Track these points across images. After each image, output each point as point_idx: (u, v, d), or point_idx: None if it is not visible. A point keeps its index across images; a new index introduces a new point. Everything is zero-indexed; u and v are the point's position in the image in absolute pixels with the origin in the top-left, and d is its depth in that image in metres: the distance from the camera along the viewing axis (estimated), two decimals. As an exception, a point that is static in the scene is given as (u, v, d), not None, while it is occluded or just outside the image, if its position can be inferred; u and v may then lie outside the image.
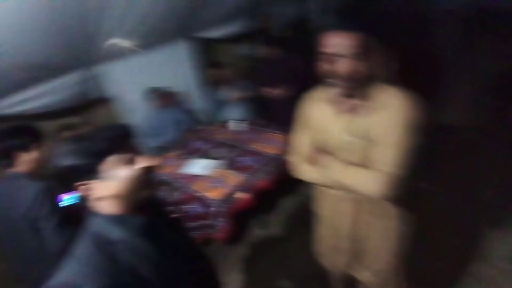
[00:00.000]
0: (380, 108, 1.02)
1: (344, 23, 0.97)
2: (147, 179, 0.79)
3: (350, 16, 0.97)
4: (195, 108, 3.80)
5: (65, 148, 0.75)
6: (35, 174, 1.40)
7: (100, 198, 0.75)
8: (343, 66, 0.97)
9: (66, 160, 0.73)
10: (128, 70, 3.17)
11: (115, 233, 0.74)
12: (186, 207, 2.11)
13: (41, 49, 2.28)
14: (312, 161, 1.20)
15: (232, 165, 2.29)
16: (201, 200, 2.05)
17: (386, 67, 1.02)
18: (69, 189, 0.76)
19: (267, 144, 2.47)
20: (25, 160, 1.37)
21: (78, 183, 0.74)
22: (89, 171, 0.73)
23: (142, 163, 0.78)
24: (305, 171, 1.23)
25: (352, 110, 1.08)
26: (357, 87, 1.03)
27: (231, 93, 3.08)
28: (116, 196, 0.75)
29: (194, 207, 2.10)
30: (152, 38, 3.09)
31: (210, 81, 3.02)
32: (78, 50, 2.56)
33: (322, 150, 1.18)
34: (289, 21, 4.63)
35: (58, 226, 1.31)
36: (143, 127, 3.07)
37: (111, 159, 0.74)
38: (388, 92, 1.04)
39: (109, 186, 0.74)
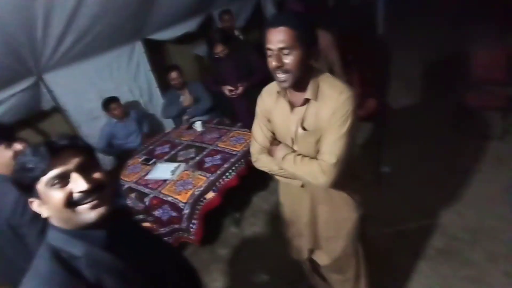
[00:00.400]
0: (322, 100, 1.09)
1: (279, 19, 1.03)
2: (84, 205, 0.69)
3: (283, 12, 1.05)
4: (155, 111, 3.74)
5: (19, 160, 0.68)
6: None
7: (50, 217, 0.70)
8: (284, 60, 1.02)
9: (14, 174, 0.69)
10: (79, 76, 3.03)
11: (77, 248, 0.69)
12: (157, 212, 2.09)
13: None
14: (270, 152, 1.25)
15: (200, 166, 2.29)
16: (172, 204, 2.04)
17: (327, 59, 1.10)
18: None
19: (234, 143, 2.50)
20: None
21: (30, 200, 0.70)
22: (26, 189, 0.68)
23: (77, 186, 0.68)
24: (263, 162, 1.28)
25: (303, 103, 1.13)
26: (302, 80, 1.08)
27: (187, 96, 3.06)
28: (57, 220, 0.70)
29: (166, 212, 2.08)
30: (104, 42, 2.97)
31: (170, 84, 2.97)
32: (26, 59, 2.39)
33: (279, 141, 1.24)
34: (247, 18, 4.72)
35: (42, 232, 1.24)
36: (104, 137, 2.95)
37: (43, 179, 0.66)
38: (329, 84, 1.10)
39: (47, 208, 0.69)
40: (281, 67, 1.02)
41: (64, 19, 2.27)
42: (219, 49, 2.56)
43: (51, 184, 0.66)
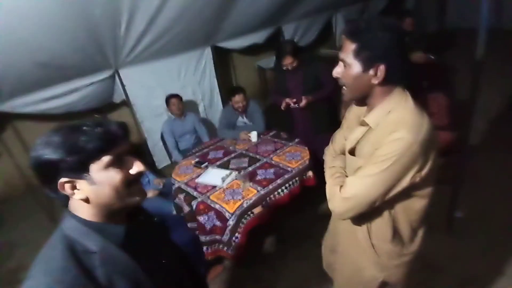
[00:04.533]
0: (380, 130, 0.92)
1: (347, 26, 0.92)
2: (137, 185, 0.73)
3: (360, 20, 0.91)
4: (213, 116, 3.79)
5: (49, 139, 0.65)
6: None
7: (82, 201, 0.68)
8: (343, 72, 0.94)
9: (48, 152, 0.64)
10: (151, 74, 3.18)
11: (93, 242, 0.67)
12: (202, 218, 2.02)
13: (67, 49, 2.28)
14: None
15: (252, 178, 2.19)
16: (218, 212, 1.95)
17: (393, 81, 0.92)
18: (46, 184, 0.67)
19: (290, 158, 2.36)
20: None
21: (63, 180, 0.65)
22: (75, 169, 0.65)
23: (136, 167, 0.72)
24: (325, 162, 1.23)
25: (362, 121, 1.00)
26: (369, 101, 0.96)
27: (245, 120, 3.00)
28: (101, 202, 0.69)
29: (210, 219, 2.00)
30: (178, 44, 3.10)
31: (232, 107, 2.91)
32: (107, 52, 2.57)
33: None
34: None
35: None
36: (165, 133, 3.04)
37: (104, 159, 0.66)
38: (397, 116, 0.91)
39: (96, 189, 0.67)
40: (338, 78, 0.96)
41: (147, 19, 2.40)
42: (288, 61, 2.45)
43: (110, 164, 0.67)
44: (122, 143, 0.70)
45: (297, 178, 2.17)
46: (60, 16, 1.96)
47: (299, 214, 2.60)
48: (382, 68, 0.87)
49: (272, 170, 2.24)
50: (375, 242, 1.07)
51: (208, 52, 3.56)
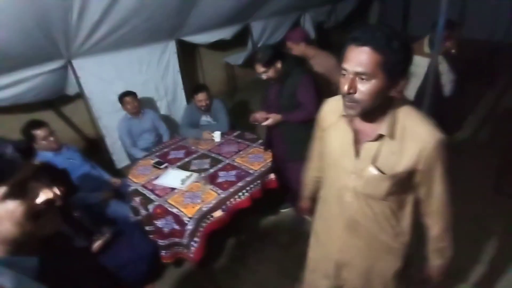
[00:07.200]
0: (404, 140, 0.91)
1: (366, 34, 0.81)
2: (47, 215, 0.66)
3: (376, 27, 0.82)
4: (177, 113, 3.66)
5: None
6: None
7: None
8: (358, 86, 0.84)
9: None
10: (109, 67, 2.99)
11: (6, 278, 0.59)
12: (160, 222, 1.93)
13: (11, 36, 2.06)
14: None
15: (212, 180, 2.13)
16: (176, 216, 1.88)
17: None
18: None
19: (252, 160, 2.33)
20: None
21: None
22: None
23: (42, 195, 0.63)
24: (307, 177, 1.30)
25: (375, 138, 0.94)
26: (375, 112, 0.91)
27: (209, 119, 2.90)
28: (2, 238, 0.60)
29: (168, 223, 1.93)
30: (139, 36, 2.94)
31: (196, 106, 2.80)
32: (57, 40, 2.36)
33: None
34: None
35: None
36: (121, 133, 2.87)
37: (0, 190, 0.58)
38: (413, 119, 0.91)
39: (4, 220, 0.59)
40: (352, 94, 0.85)
41: (102, 7, 2.24)
42: (259, 70, 2.01)
43: (7, 196, 0.59)
44: (23, 169, 0.61)
45: (258, 181, 2.16)
46: (3, 1, 1.76)
47: (259, 215, 2.60)
48: (403, 81, 0.86)
49: (234, 172, 2.20)
50: (398, 239, 1.09)
51: (172, 46, 3.42)
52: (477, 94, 4.18)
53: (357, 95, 0.84)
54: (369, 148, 0.95)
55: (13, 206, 0.59)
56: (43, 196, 0.64)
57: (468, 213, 2.36)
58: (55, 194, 0.66)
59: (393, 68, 0.81)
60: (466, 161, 2.94)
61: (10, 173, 0.58)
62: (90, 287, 0.77)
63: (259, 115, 2.12)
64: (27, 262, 0.64)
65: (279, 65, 2.00)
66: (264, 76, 2.04)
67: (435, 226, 1.06)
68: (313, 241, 1.31)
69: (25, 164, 0.61)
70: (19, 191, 0.60)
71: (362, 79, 0.82)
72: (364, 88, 0.83)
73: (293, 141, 2.09)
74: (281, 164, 2.29)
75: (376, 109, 0.89)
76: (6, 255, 0.62)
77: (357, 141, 0.98)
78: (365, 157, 0.96)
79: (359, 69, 0.81)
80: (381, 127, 0.91)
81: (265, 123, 2.11)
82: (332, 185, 1.12)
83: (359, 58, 0.80)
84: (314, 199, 1.33)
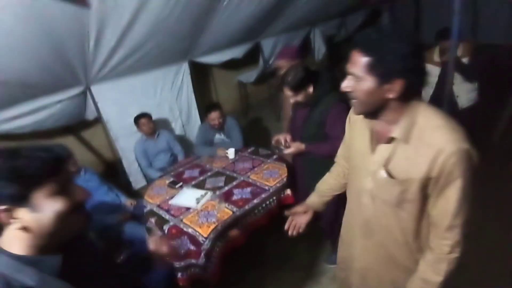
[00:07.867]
0: (419, 145, 0.85)
1: (359, 37, 0.85)
2: (80, 213, 0.69)
3: (373, 30, 0.84)
4: (191, 133, 3.69)
5: None
6: None
7: (20, 231, 0.62)
8: (354, 86, 0.88)
9: None
10: (125, 91, 3.08)
11: (29, 276, 0.61)
12: (175, 243, 1.90)
13: (29, 67, 2.16)
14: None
15: (228, 198, 2.10)
16: (192, 236, 1.84)
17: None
18: None
19: (267, 176, 2.29)
20: None
21: (4, 208, 0.60)
22: (15, 196, 0.60)
23: (81, 194, 0.68)
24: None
25: (388, 140, 0.92)
26: (388, 113, 0.89)
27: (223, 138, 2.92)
28: (43, 231, 0.63)
29: (184, 244, 1.89)
30: (153, 60, 3.03)
31: (210, 124, 2.82)
32: (76, 68, 2.46)
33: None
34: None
35: None
36: (137, 154, 2.92)
37: (50, 186, 0.62)
38: (432, 124, 0.85)
39: (38, 217, 0.62)
40: (351, 92, 0.90)
41: (118, 34, 2.32)
42: (287, 93, 1.78)
43: (57, 191, 0.64)
44: (68, 168, 0.67)
45: (274, 198, 2.10)
46: (21, 33, 1.85)
47: (278, 235, 2.50)
48: (400, 83, 0.81)
49: (249, 189, 2.16)
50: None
51: (185, 68, 3.50)
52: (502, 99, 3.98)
53: (353, 94, 0.89)
54: (382, 150, 0.94)
55: (60, 201, 0.63)
56: (82, 194, 0.68)
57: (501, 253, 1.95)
58: (88, 193, 0.70)
59: (384, 69, 0.81)
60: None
61: (59, 170, 0.64)
62: (110, 285, 0.78)
63: (283, 138, 1.89)
64: (51, 261, 0.66)
65: (310, 89, 1.75)
66: (292, 100, 1.81)
67: (427, 248, 0.94)
68: (340, 241, 1.32)
69: (69, 164, 0.67)
70: (67, 188, 0.65)
71: (356, 79, 0.86)
72: (357, 87, 0.87)
73: (313, 176, 1.58)
74: (303, 197, 1.76)
75: (380, 111, 0.89)
76: (33, 253, 0.64)
77: (374, 143, 0.97)
78: (378, 159, 0.95)
79: (351, 70, 0.87)
80: (395, 129, 0.89)
81: (287, 152, 1.90)
82: (353, 186, 1.12)
83: (352, 59, 0.86)
84: (315, 213, 1.35)
